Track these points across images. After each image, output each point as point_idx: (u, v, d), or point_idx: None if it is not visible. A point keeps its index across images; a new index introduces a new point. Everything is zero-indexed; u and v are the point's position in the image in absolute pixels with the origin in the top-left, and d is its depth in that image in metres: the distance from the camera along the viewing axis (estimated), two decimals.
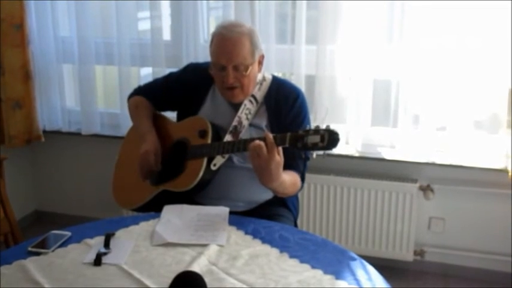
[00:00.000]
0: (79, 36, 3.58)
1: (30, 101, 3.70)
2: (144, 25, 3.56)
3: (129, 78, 3.55)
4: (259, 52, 2.29)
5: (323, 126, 1.91)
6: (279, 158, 1.96)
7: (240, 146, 2.15)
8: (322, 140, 1.88)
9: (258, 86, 2.34)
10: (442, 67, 3.02)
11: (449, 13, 2.93)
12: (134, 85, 2.72)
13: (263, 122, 2.33)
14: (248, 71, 2.24)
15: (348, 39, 3.11)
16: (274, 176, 2.00)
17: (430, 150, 3.15)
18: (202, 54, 3.32)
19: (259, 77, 2.36)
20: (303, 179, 2.33)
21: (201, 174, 2.23)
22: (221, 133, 2.32)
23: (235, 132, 2.29)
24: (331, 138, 1.88)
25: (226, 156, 2.27)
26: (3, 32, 3.54)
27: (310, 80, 3.25)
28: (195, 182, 2.23)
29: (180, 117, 2.51)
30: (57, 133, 3.83)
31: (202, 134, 2.29)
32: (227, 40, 2.22)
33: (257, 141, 1.95)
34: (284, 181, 2.09)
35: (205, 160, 2.24)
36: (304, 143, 1.91)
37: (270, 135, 1.95)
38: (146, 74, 3.65)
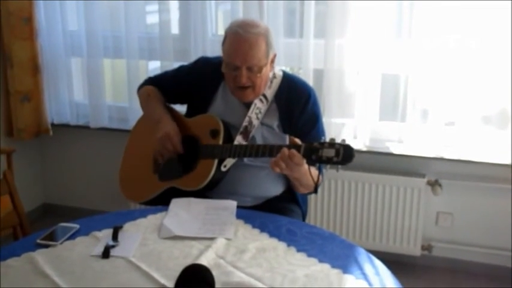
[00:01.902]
0: (87, 30, 3.59)
1: (38, 94, 3.71)
2: (153, 18, 3.57)
3: (137, 71, 3.55)
4: (273, 52, 2.27)
5: (338, 140, 1.91)
6: (297, 159, 1.97)
7: (253, 151, 2.15)
8: (337, 154, 1.89)
9: (268, 84, 2.32)
10: (451, 62, 3.00)
11: (458, 8, 2.91)
12: (142, 78, 2.72)
13: (274, 122, 2.31)
14: (262, 72, 2.22)
15: (356, 34, 3.10)
16: (296, 170, 2.04)
17: (439, 145, 3.15)
18: (211, 48, 3.32)
19: (270, 74, 2.34)
20: (316, 187, 2.32)
21: (211, 176, 2.22)
22: (232, 131, 2.30)
23: (246, 132, 2.27)
24: (346, 153, 1.88)
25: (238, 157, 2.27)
26: (11, 25, 3.55)
27: (319, 74, 3.24)
28: (205, 183, 2.23)
29: (189, 111, 2.49)
30: (66, 126, 3.84)
31: (214, 133, 2.27)
32: (243, 41, 2.18)
33: (275, 162, 1.98)
34: (307, 171, 2.09)
35: (215, 161, 2.24)
36: (319, 156, 1.92)
37: (286, 152, 1.95)
38: (154, 67, 3.65)
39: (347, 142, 1.91)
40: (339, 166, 1.91)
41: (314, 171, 2.12)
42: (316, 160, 1.93)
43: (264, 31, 2.22)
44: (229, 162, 2.26)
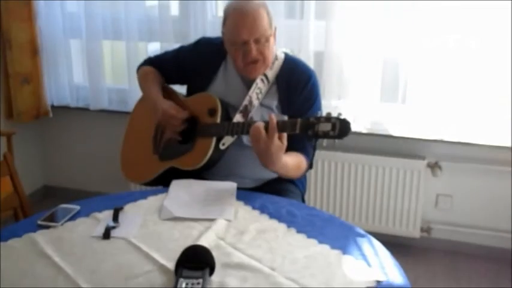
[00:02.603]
0: (86, 12, 3.57)
1: (38, 76, 3.70)
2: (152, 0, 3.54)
3: (136, 53, 3.54)
4: (274, 24, 2.27)
5: (334, 114, 1.89)
6: (279, 142, 1.92)
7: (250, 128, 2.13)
8: (333, 128, 1.86)
9: (269, 65, 2.31)
10: (452, 44, 2.99)
11: None
12: (142, 60, 2.71)
13: (273, 103, 2.31)
14: (269, 43, 2.22)
15: (357, 15, 3.08)
16: (274, 159, 1.97)
17: (439, 127, 3.14)
18: (211, 30, 3.30)
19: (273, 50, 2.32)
20: (311, 163, 2.33)
21: (209, 154, 2.22)
22: (231, 111, 2.29)
23: (245, 111, 2.27)
24: (342, 127, 1.85)
25: (236, 135, 2.26)
26: (10, 7, 3.53)
27: (319, 56, 3.23)
28: (203, 162, 2.22)
29: (190, 92, 2.49)
30: (65, 108, 3.84)
31: (212, 112, 2.26)
32: (246, 15, 2.17)
33: (256, 125, 1.94)
34: (286, 164, 2.07)
35: (214, 140, 2.23)
36: (315, 131, 1.88)
37: (274, 119, 1.91)
38: (154, 49, 3.63)
39: (343, 116, 1.89)
40: (336, 141, 1.89)
41: (292, 162, 2.13)
42: (313, 135, 1.90)
43: (262, 3, 2.23)
44: (227, 140, 2.25)
